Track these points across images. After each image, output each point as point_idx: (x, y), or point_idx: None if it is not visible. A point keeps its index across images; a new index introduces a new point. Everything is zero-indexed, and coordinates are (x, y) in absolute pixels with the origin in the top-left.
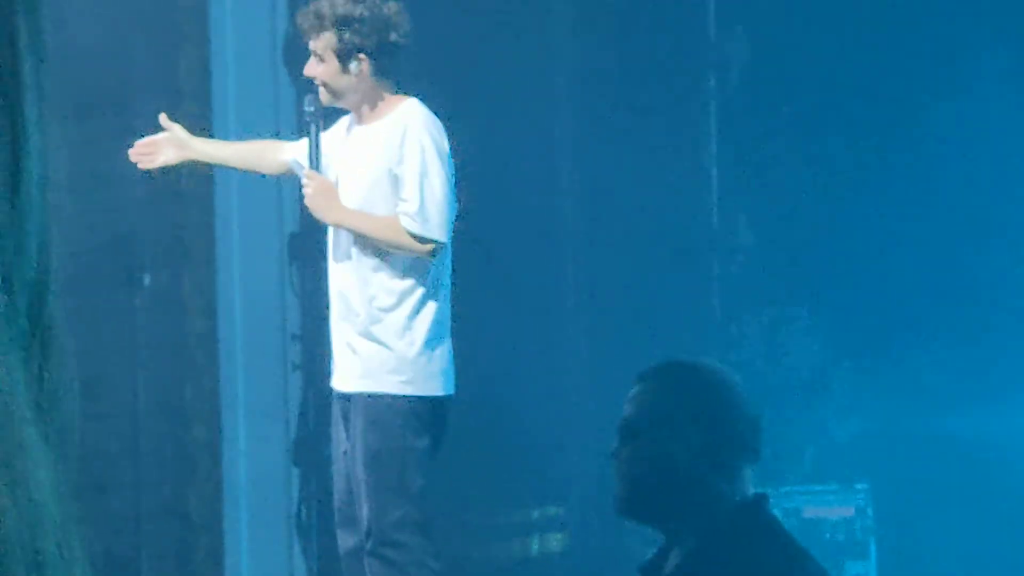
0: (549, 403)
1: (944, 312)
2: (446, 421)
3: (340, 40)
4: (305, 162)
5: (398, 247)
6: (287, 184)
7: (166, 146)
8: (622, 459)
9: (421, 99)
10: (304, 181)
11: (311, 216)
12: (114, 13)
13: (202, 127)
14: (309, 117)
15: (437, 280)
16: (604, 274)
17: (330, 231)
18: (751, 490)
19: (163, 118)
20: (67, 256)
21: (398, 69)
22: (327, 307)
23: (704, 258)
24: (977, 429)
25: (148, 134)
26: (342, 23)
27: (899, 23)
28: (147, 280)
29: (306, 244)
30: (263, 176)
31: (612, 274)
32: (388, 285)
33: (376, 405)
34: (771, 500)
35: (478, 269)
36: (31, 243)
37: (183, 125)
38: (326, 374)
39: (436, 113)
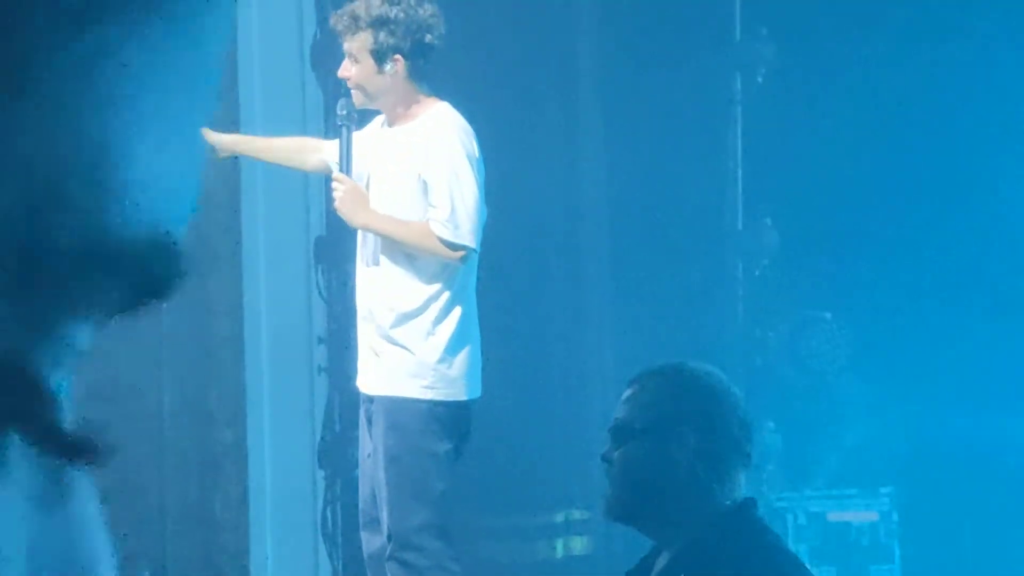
0: (573, 407)
1: (970, 316)
2: (469, 426)
3: (376, 40)
4: (336, 165)
5: (428, 252)
6: (314, 186)
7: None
8: (614, 461)
9: (449, 102)
10: (334, 184)
11: (337, 219)
12: (135, 18)
13: (229, 129)
14: (341, 121)
15: (464, 285)
16: (628, 277)
17: (359, 234)
18: (742, 494)
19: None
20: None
21: (432, 71)
22: (353, 310)
23: (729, 261)
24: (1001, 433)
25: None
26: (378, 24)
27: (926, 23)
28: None
29: (332, 247)
30: (296, 173)
31: (636, 277)
32: (414, 289)
33: (397, 408)
34: (794, 504)
35: (502, 273)
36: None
37: (210, 126)
38: (352, 377)
39: (460, 115)
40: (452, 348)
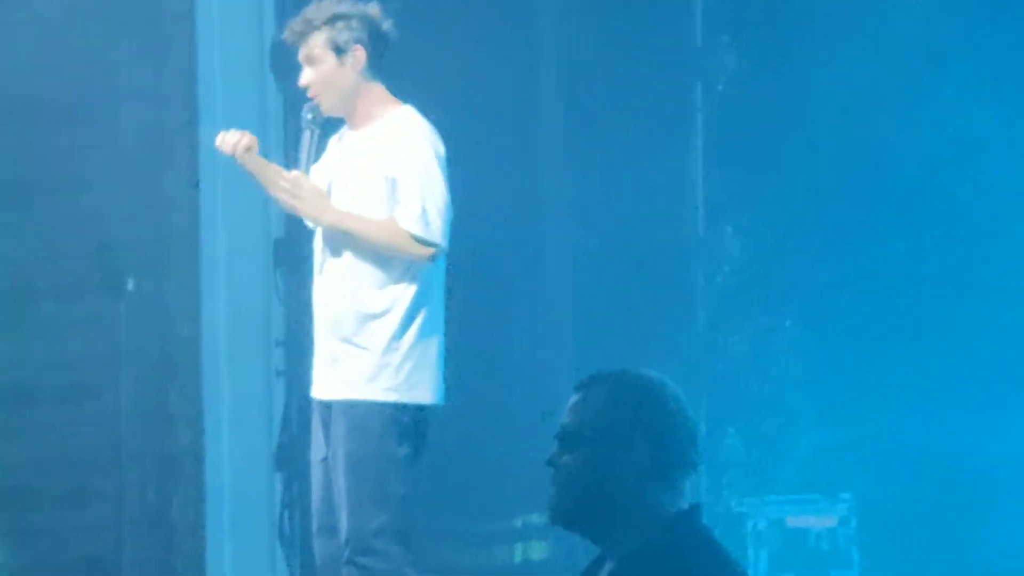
0: (533, 412)
1: (929, 322)
2: (428, 431)
3: (334, 35)
4: (282, 173)
5: (396, 250)
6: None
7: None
8: (560, 467)
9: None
10: (292, 181)
11: (297, 222)
12: (100, 19)
13: (188, 133)
14: (306, 124)
15: (429, 288)
16: (590, 283)
17: (316, 237)
18: (687, 501)
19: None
20: (51, 262)
21: (391, 71)
22: (311, 314)
23: (690, 268)
24: (959, 439)
25: (134, 141)
26: (334, 19)
27: (887, 31)
28: (131, 285)
29: (291, 250)
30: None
31: (598, 284)
32: (379, 291)
33: (358, 412)
34: (754, 510)
35: (463, 279)
36: None
37: (169, 131)
38: (309, 381)
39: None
40: (416, 351)
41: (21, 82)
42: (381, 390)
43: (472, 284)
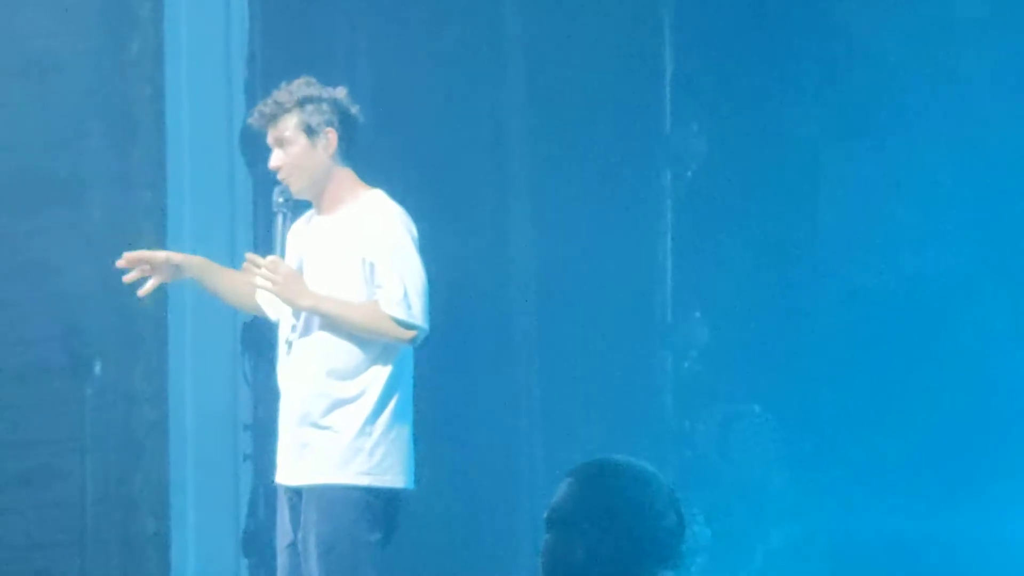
0: (501, 494)
1: (901, 410)
2: (400, 514)
3: (305, 117)
4: (258, 260)
5: (378, 333)
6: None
7: (174, 267)
8: (546, 549)
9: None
10: (268, 268)
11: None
12: (68, 103)
13: (156, 216)
14: (277, 207)
15: (401, 371)
16: (557, 367)
17: (283, 322)
18: None
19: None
20: (17, 344)
21: (358, 155)
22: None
23: (658, 353)
24: (933, 529)
25: (101, 224)
26: (305, 101)
27: (858, 116)
28: (97, 369)
29: (259, 333)
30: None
31: (565, 367)
32: (352, 374)
33: (330, 496)
34: None
35: (429, 362)
36: None
37: (138, 215)
38: (275, 464)
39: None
40: (388, 435)
41: None
42: (353, 474)
43: (440, 369)
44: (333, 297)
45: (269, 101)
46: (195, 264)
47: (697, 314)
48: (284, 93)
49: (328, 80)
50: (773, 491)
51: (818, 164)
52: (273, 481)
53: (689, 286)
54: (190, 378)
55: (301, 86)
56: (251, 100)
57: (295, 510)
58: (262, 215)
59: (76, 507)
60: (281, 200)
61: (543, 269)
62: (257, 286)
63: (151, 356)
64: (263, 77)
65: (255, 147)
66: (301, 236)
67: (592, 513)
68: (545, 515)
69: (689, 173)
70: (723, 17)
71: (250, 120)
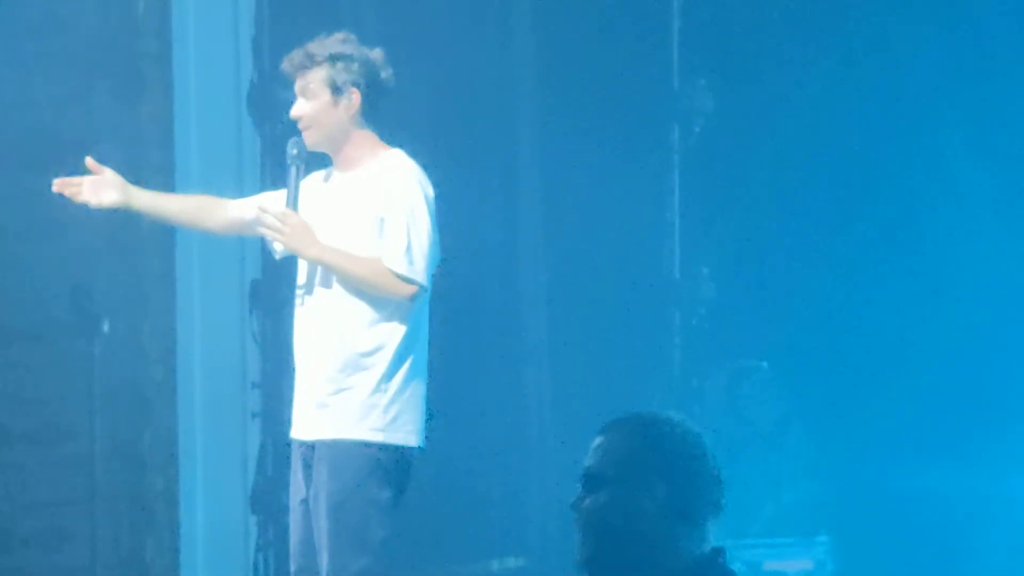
0: (510, 454)
1: (909, 366)
2: (410, 474)
3: (333, 74)
4: (260, 213)
5: (377, 287)
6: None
7: (105, 186)
8: (583, 510)
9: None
10: (279, 217)
11: (274, 263)
12: (74, 61)
13: (164, 175)
14: (291, 160)
15: (416, 329)
16: (565, 325)
17: (300, 274)
18: (710, 544)
19: (90, 161)
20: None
21: (382, 117)
22: (289, 355)
23: (666, 310)
24: (936, 484)
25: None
26: (335, 58)
27: (865, 71)
28: (105, 327)
29: (268, 291)
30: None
31: (573, 325)
32: (369, 331)
33: (342, 453)
34: (730, 552)
35: (438, 320)
36: None
37: (145, 173)
38: (285, 422)
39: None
40: (403, 393)
41: None
42: (367, 430)
43: (448, 326)
44: (339, 249)
45: (301, 51)
46: (134, 197)
47: (705, 270)
48: (317, 45)
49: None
50: (782, 447)
51: (825, 119)
52: (283, 438)
53: (697, 243)
54: (198, 336)
55: (335, 41)
56: (258, 57)
57: (308, 466)
58: (269, 173)
59: (85, 465)
60: (295, 152)
61: (550, 226)
62: (264, 235)
63: (159, 314)
64: (270, 33)
65: (263, 105)
66: (316, 191)
67: (637, 468)
68: (582, 473)
69: (697, 128)
70: None
71: (281, 66)
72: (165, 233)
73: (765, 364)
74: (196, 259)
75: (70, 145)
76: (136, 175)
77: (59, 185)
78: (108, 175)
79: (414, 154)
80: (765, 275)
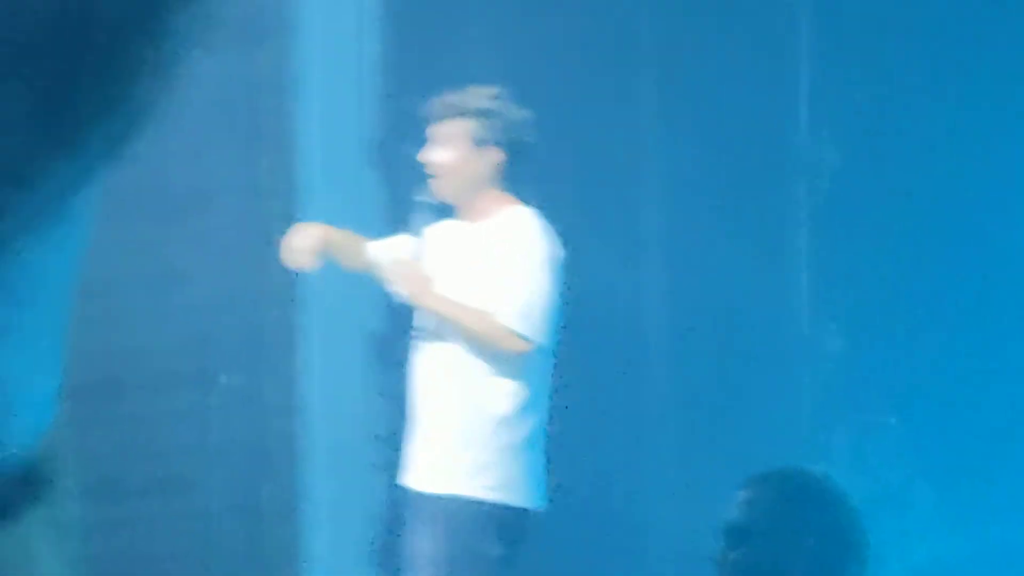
0: (634, 508)
1: None
2: (527, 534)
3: (477, 129)
4: (390, 254)
5: (488, 341)
6: (371, 282)
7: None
8: (728, 564)
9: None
10: (396, 265)
11: (397, 314)
12: (197, 112)
13: (285, 226)
14: (418, 205)
15: (538, 387)
16: (692, 379)
17: (418, 323)
18: None
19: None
20: (147, 354)
21: (517, 175)
22: (412, 407)
23: (794, 365)
24: None
25: (231, 233)
26: (482, 114)
27: (998, 123)
28: (224, 379)
29: (390, 344)
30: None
31: (700, 378)
32: (489, 385)
33: (457, 508)
34: None
35: (559, 370)
36: (52, 345)
37: (269, 223)
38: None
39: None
40: (523, 451)
41: (117, 174)
42: (481, 488)
43: (568, 375)
44: (454, 300)
45: (450, 98)
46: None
47: (833, 325)
48: (467, 96)
49: (458, 85)
50: (912, 505)
51: (957, 173)
52: (404, 490)
53: (825, 297)
54: (320, 388)
55: (485, 96)
56: (384, 109)
57: (422, 518)
58: (392, 228)
59: (202, 519)
60: (422, 199)
61: (677, 281)
62: (384, 279)
63: (280, 366)
64: (396, 86)
65: (387, 159)
66: (440, 241)
67: (786, 523)
68: (725, 527)
69: (824, 183)
70: (860, 22)
71: (425, 109)
72: (287, 282)
73: (893, 420)
74: (318, 309)
75: (192, 197)
76: (257, 225)
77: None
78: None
79: (532, 202)
80: (894, 329)
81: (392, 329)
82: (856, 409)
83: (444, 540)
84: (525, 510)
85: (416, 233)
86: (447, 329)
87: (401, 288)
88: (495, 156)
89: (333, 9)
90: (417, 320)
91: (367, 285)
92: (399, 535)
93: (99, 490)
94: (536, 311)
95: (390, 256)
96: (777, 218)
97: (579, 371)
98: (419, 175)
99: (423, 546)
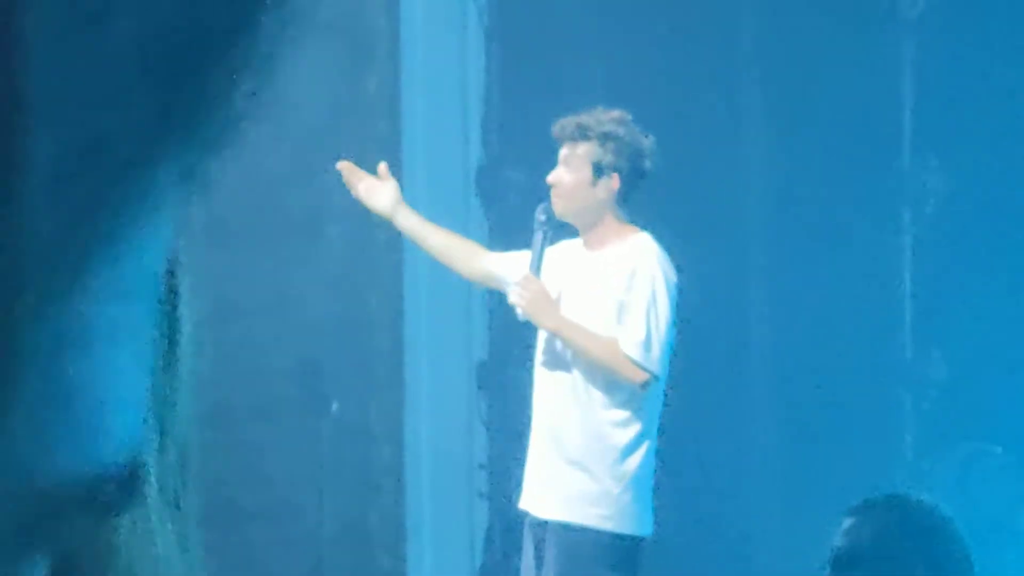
0: (741, 536)
1: None
2: (639, 562)
3: (599, 153)
4: (510, 273)
5: (610, 369)
6: (477, 311)
7: (381, 192)
8: None
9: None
10: (520, 284)
11: (501, 344)
12: (306, 140)
13: (394, 253)
14: (538, 225)
15: (653, 416)
16: (795, 406)
17: (538, 352)
18: None
19: (382, 168)
20: (257, 380)
21: (636, 200)
22: (515, 436)
23: (897, 391)
24: None
25: (339, 260)
26: (605, 138)
27: None
28: (335, 407)
29: (494, 372)
30: (460, 298)
31: (803, 406)
32: (611, 415)
33: (573, 536)
34: None
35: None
36: (181, 404)
37: (376, 250)
38: (512, 503)
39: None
40: (637, 480)
41: (228, 200)
42: (599, 516)
43: (676, 406)
44: (576, 324)
45: (576, 119)
46: (403, 210)
47: (937, 352)
48: (592, 119)
49: (561, 110)
50: (1018, 534)
51: None
52: (511, 519)
53: (928, 324)
54: (426, 417)
55: (610, 120)
56: (487, 137)
57: (539, 541)
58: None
59: (312, 544)
60: (543, 218)
61: (780, 308)
62: (510, 301)
63: (387, 394)
64: (499, 113)
65: (491, 186)
66: (559, 264)
67: (895, 550)
68: (832, 555)
69: (928, 209)
70: (964, 47)
71: (552, 129)
72: (394, 311)
73: (999, 449)
74: (424, 338)
75: (301, 223)
76: (366, 251)
77: (345, 167)
78: (389, 185)
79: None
80: (998, 357)
81: (496, 357)
82: (961, 437)
83: (560, 567)
84: (639, 538)
85: (538, 251)
86: (567, 354)
87: (525, 307)
88: (614, 182)
89: (439, 35)
90: (537, 343)
91: (473, 314)
92: (513, 558)
93: (211, 515)
94: (657, 343)
95: (514, 272)
96: (881, 244)
97: (683, 397)
98: (521, 201)
99: (538, 571)
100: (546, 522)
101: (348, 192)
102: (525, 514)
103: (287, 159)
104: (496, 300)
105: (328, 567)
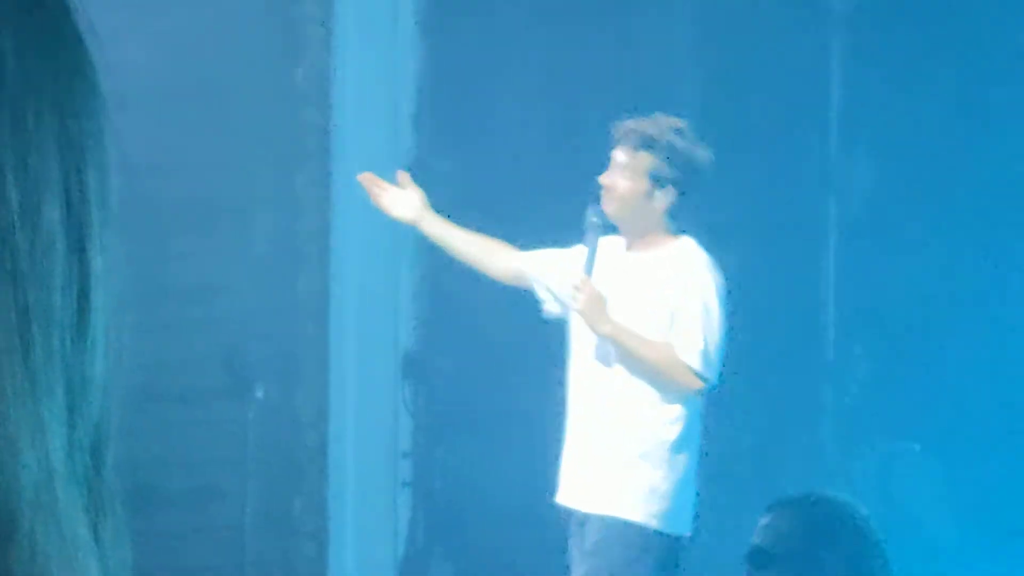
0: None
1: None
2: (679, 561)
3: (660, 165)
4: (545, 273)
5: (667, 376)
6: (404, 301)
7: (405, 202)
8: None
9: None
10: (576, 286)
11: (428, 334)
12: (235, 127)
13: (320, 240)
14: (591, 228)
15: (698, 417)
16: (715, 403)
17: (578, 349)
18: None
19: (402, 176)
20: (180, 366)
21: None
22: (439, 426)
23: (819, 389)
24: None
25: (266, 247)
26: (665, 150)
27: None
28: (260, 392)
29: (421, 361)
30: (386, 287)
31: (724, 401)
32: (661, 416)
33: (616, 531)
34: None
35: None
36: (95, 381)
37: (303, 238)
38: (436, 492)
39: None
40: (683, 479)
41: (155, 185)
42: (645, 513)
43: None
44: (632, 330)
45: (636, 127)
46: (429, 217)
47: (858, 350)
48: (656, 127)
49: (496, 111)
50: (936, 534)
51: (991, 195)
52: (433, 508)
53: (851, 320)
54: (351, 404)
55: (672, 131)
56: (418, 130)
57: (579, 535)
58: (425, 245)
59: (235, 529)
60: (595, 220)
61: None
62: (563, 303)
63: (312, 380)
64: (430, 107)
65: (422, 177)
66: (607, 265)
67: (810, 547)
68: (748, 551)
69: (853, 205)
70: (892, 39)
71: (614, 127)
72: (320, 298)
73: (918, 447)
74: (350, 325)
75: (227, 211)
76: (292, 240)
77: (367, 179)
78: (413, 194)
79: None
80: (920, 355)
81: (423, 346)
82: (881, 435)
83: (601, 560)
84: (680, 538)
85: (591, 254)
86: (617, 355)
87: (580, 310)
88: (670, 196)
89: (371, 24)
90: (574, 341)
91: (400, 302)
92: (427, 552)
93: (132, 499)
94: (713, 350)
95: (550, 272)
96: (805, 239)
97: None
98: (450, 192)
99: (578, 564)
100: (589, 516)
101: (276, 179)
102: (562, 509)
103: (215, 145)
104: (425, 288)
105: (250, 553)
